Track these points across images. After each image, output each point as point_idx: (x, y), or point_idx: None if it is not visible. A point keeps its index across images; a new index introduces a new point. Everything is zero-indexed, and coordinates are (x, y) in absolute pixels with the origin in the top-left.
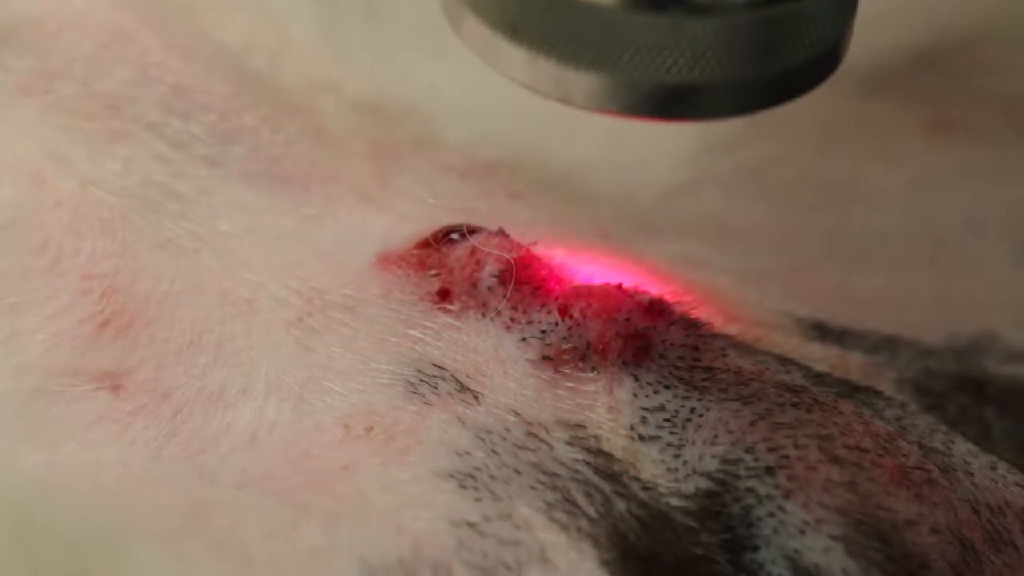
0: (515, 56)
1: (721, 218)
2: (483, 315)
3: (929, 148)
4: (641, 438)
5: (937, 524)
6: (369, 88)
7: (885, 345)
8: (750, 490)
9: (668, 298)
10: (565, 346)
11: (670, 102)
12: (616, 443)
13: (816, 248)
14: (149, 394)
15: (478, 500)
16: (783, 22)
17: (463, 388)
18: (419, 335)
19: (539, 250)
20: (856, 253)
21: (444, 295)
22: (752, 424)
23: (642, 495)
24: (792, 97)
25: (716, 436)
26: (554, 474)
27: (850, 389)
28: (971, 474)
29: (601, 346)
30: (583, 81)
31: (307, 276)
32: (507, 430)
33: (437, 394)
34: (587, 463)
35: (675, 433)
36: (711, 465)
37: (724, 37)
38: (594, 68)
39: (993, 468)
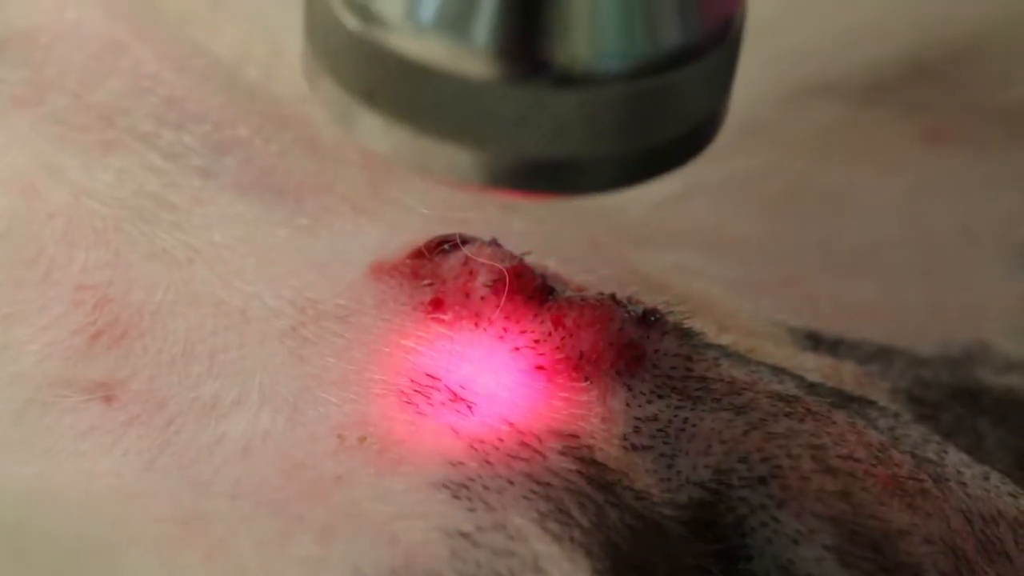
0: (372, 123)
1: (714, 228)
2: (476, 325)
3: (923, 157)
4: (634, 448)
5: (930, 534)
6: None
7: (879, 355)
8: (743, 500)
9: (661, 308)
10: (558, 356)
11: (532, 176)
12: (609, 453)
13: (810, 258)
14: (142, 405)
15: (471, 510)
16: (651, 97)
17: (456, 398)
18: (412, 345)
19: (532, 260)
20: (850, 263)
21: (437, 305)
22: (745, 434)
23: (635, 505)
24: (661, 173)
25: (709, 446)
26: (547, 484)
27: (843, 399)
28: (964, 484)
29: (594, 356)
30: (442, 152)
31: (300, 286)
32: (500, 440)
33: (430, 404)
34: (580, 473)
35: (668, 443)
36: (704, 475)
37: (587, 111)
38: (453, 139)
39: (986, 478)
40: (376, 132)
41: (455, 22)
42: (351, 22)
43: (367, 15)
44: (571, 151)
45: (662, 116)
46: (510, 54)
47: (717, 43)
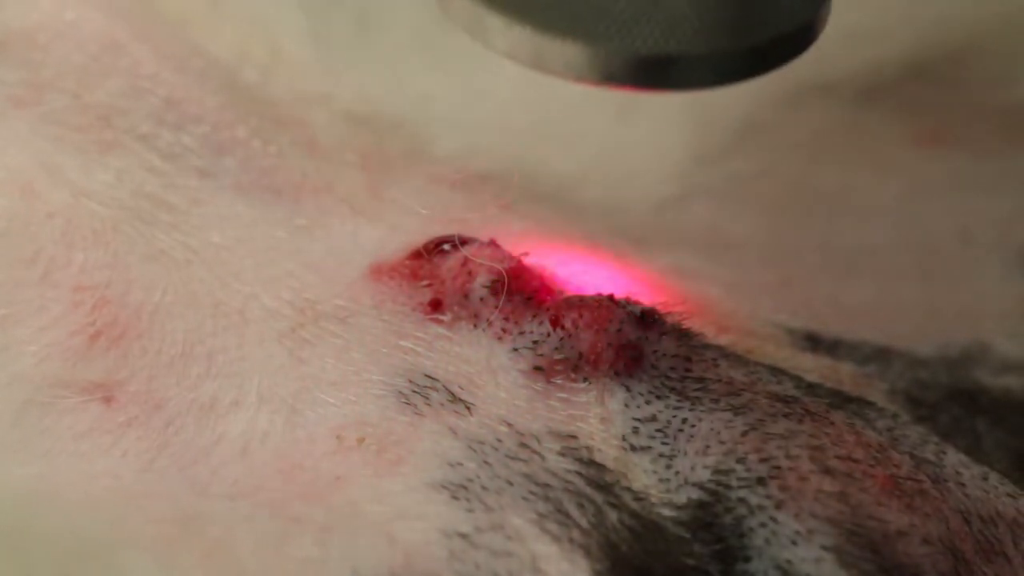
0: (493, 25)
1: (713, 229)
2: (475, 326)
3: (920, 159)
4: (633, 448)
5: (928, 535)
6: (361, 100)
7: (877, 356)
8: (742, 500)
9: (660, 309)
10: (557, 356)
11: (646, 72)
12: (608, 453)
13: (808, 259)
14: (141, 405)
15: (470, 511)
16: None
17: (455, 399)
18: (411, 346)
19: (531, 260)
20: (848, 264)
21: (436, 306)
22: (744, 434)
23: (634, 505)
24: (768, 69)
25: (708, 446)
26: (546, 485)
27: (842, 400)
28: (963, 484)
29: (593, 356)
30: (560, 50)
31: (299, 287)
32: (499, 441)
33: (429, 405)
34: (579, 474)
35: (667, 443)
36: (703, 475)
37: (699, 8)
38: (570, 37)
39: (984, 479)
40: (497, 33)
41: None
42: None
43: None
44: (683, 48)
45: (770, 13)
46: None
47: None
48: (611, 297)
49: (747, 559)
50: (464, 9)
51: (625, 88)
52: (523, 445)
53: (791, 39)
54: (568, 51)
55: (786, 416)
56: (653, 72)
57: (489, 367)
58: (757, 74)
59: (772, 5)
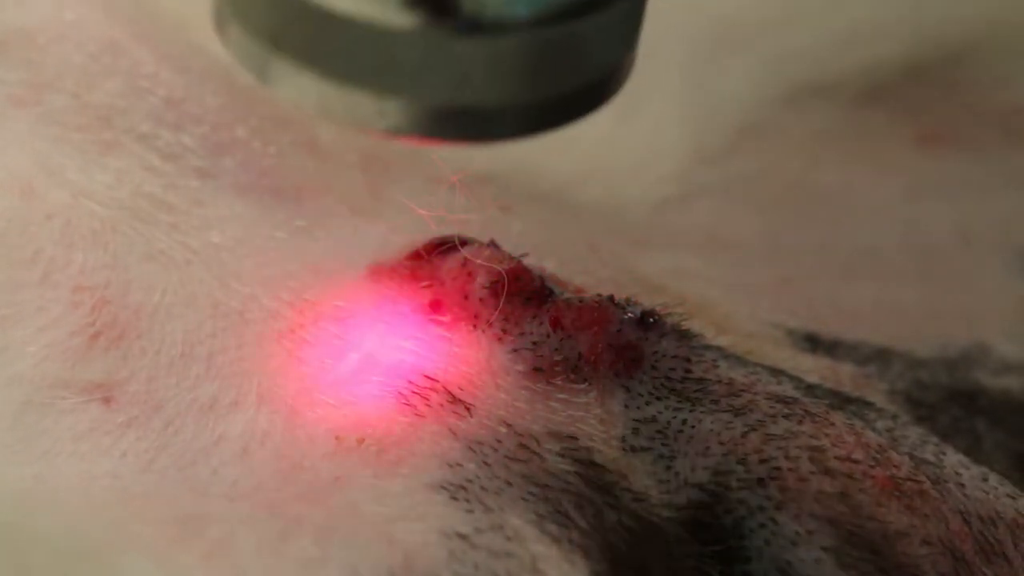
0: (279, 70)
1: (712, 230)
2: (475, 327)
3: (920, 159)
4: (633, 449)
5: (928, 535)
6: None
7: (877, 356)
8: (742, 501)
9: (660, 310)
10: (557, 357)
11: (435, 124)
12: (608, 454)
13: (808, 259)
14: (140, 406)
15: (469, 512)
16: (555, 45)
17: (455, 399)
18: (411, 346)
19: (530, 262)
20: (847, 264)
21: (436, 307)
22: (744, 435)
23: (634, 506)
24: (566, 123)
25: (708, 447)
26: (546, 485)
27: (841, 400)
28: (962, 485)
29: (592, 357)
30: (346, 99)
31: (299, 288)
32: (499, 441)
33: (429, 405)
34: (579, 474)
35: (667, 444)
36: (703, 476)
37: (492, 59)
38: (357, 85)
39: (984, 479)
40: (283, 79)
41: None
42: None
43: None
44: (475, 99)
45: (567, 65)
46: (414, 0)
47: None
48: (611, 298)
49: (747, 560)
50: (245, 49)
51: (415, 141)
52: (523, 446)
53: (593, 89)
54: (356, 101)
55: (786, 417)
56: (442, 124)
57: (489, 368)
58: (557, 126)
59: (572, 56)
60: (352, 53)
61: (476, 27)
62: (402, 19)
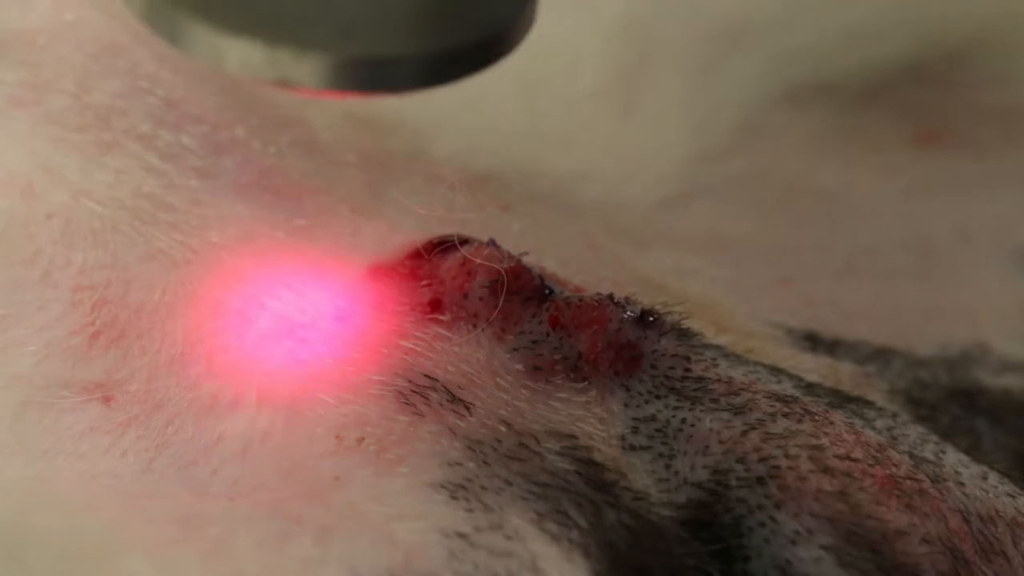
0: (174, 22)
1: (712, 229)
2: (474, 326)
3: (920, 159)
4: (632, 448)
5: (928, 534)
6: (360, 100)
7: (876, 355)
8: (741, 500)
9: (659, 308)
10: (556, 356)
11: (327, 75)
12: (607, 453)
13: (807, 258)
14: (140, 405)
15: (469, 511)
16: None
17: (454, 399)
18: (410, 346)
19: (530, 261)
20: (847, 263)
21: (435, 306)
22: (743, 434)
23: (633, 505)
24: (457, 78)
25: (707, 446)
26: (545, 484)
27: (841, 399)
28: (962, 484)
29: (592, 356)
30: (237, 48)
31: (299, 287)
32: (498, 441)
33: (428, 405)
34: (578, 473)
35: (666, 443)
36: (702, 475)
37: (381, 8)
38: (247, 35)
39: (984, 478)
40: (175, 31)
41: None
42: None
43: None
44: (363, 50)
45: (456, 18)
46: None
47: None
48: (610, 297)
49: (746, 559)
50: (145, 4)
51: (298, 91)
52: (522, 445)
53: (485, 45)
54: (246, 51)
55: (785, 416)
56: (332, 76)
57: (489, 367)
58: (444, 82)
59: (462, 9)
60: (246, 3)
61: None
62: None
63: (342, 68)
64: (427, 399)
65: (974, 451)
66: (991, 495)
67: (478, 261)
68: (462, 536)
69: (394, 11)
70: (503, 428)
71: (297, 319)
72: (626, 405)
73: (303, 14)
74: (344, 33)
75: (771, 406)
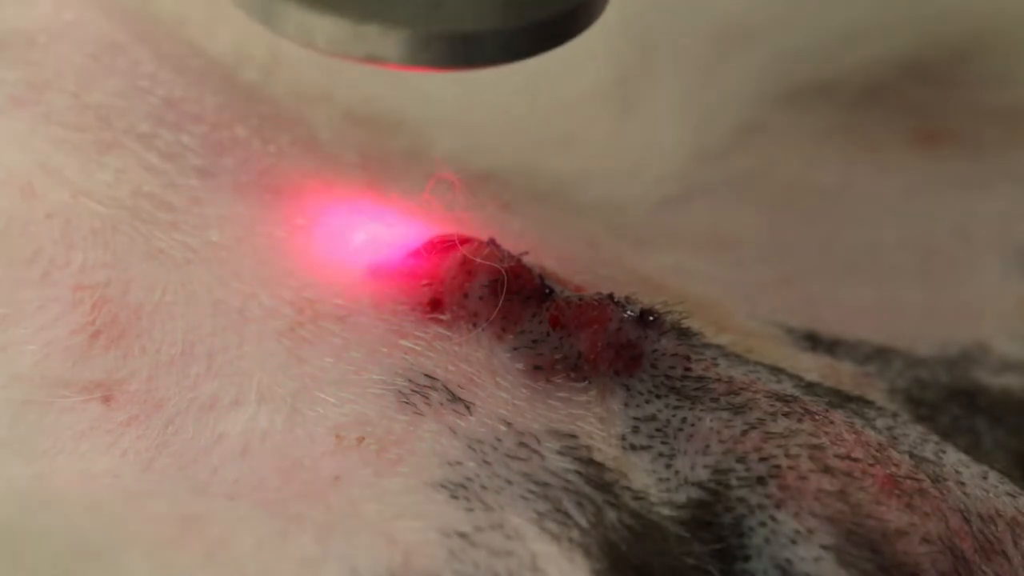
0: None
1: (712, 229)
2: (474, 325)
3: (919, 158)
4: (632, 448)
5: (928, 534)
6: (360, 99)
7: (876, 355)
8: (741, 500)
9: (659, 308)
10: (556, 356)
11: (412, 50)
12: (607, 453)
13: (808, 258)
14: (141, 405)
15: (469, 510)
16: None
17: (455, 398)
18: (411, 345)
19: (530, 260)
20: (848, 263)
21: (435, 305)
22: (743, 434)
23: (633, 505)
24: (541, 51)
25: (707, 446)
26: (545, 484)
27: (841, 399)
28: (962, 483)
29: (592, 356)
30: (326, 25)
31: (298, 286)
32: (499, 440)
33: (429, 404)
34: (578, 473)
35: (666, 443)
36: (702, 475)
37: None
38: (336, 12)
39: (984, 478)
40: (265, 10)
41: None
42: None
43: None
44: (451, 26)
45: None
46: None
47: None
48: (611, 296)
49: (747, 558)
50: None
51: (388, 66)
52: (522, 444)
53: (566, 19)
54: (335, 27)
55: (786, 415)
56: (418, 51)
57: (488, 366)
58: (528, 55)
59: None
60: None
61: None
62: None
63: (428, 43)
64: (427, 398)
65: (974, 451)
66: (991, 495)
67: (478, 260)
68: (462, 535)
69: None
70: (503, 427)
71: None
72: (626, 404)
73: None
74: (431, 8)
75: (771, 405)
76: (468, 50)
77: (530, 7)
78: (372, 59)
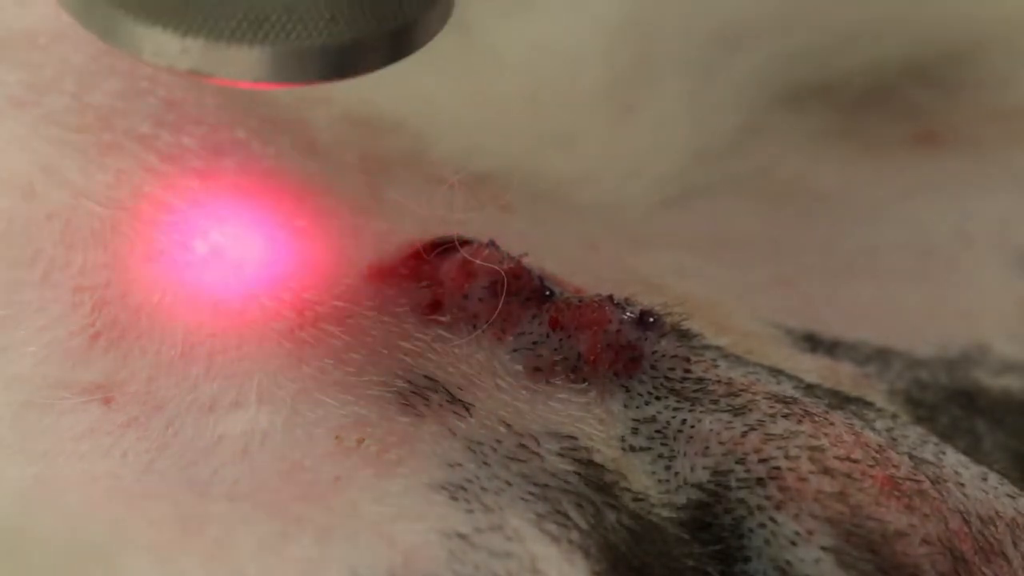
0: (95, 9)
1: (712, 230)
2: (474, 327)
3: (919, 159)
4: (632, 449)
5: (928, 535)
6: (360, 100)
7: (876, 356)
8: (741, 501)
9: (659, 309)
10: (556, 357)
11: (236, 65)
12: (607, 454)
13: (807, 259)
14: (141, 406)
15: (469, 512)
16: None
17: (454, 400)
18: (410, 347)
19: (529, 262)
20: (847, 264)
21: (435, 307)
22: (743, 435)
23: (633, 506)
24: (362, 71)
25: (707, 447)
26: (545, 485)
27: (841, 400)
28: (962, 485)
29: (592, 357)
30: (150, 38)
31: (299, 288)
32: (498, 441)
33: (428, 406)
34: (578, 474)
35: (666, 444)
36: (702, 476)
37: (287, 1)
38: (161, 26)
39: (984, 479)
40: (136, 37)
41: None
42: None
43: None
44: (273, 41)
45: (368, 10)
46: None
47: None
48: (610, 298)
49: (746, 560)
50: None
51: (209, 80)
52: (522, 446)
53: (395, 37)
54: (159, 40)
55: (785, 417)
56: (243, 65)
57: (489, 368)
58: (352, 74)
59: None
60: (223, 7)
61: None
62: None
63: (256, 60)
64: (427, 400)
65: (974, 452)
66: (991, 496)
67: (478, 262)
68: (462, 537)
69: (305, 2)
70: (503, 429)
71: (297, 320)
72: (626, 406)
73: (217, 4)
74: (257, 24)
75: (771, 407)
76: (293, 66)
77: (358, 24)
78: (196, 73)
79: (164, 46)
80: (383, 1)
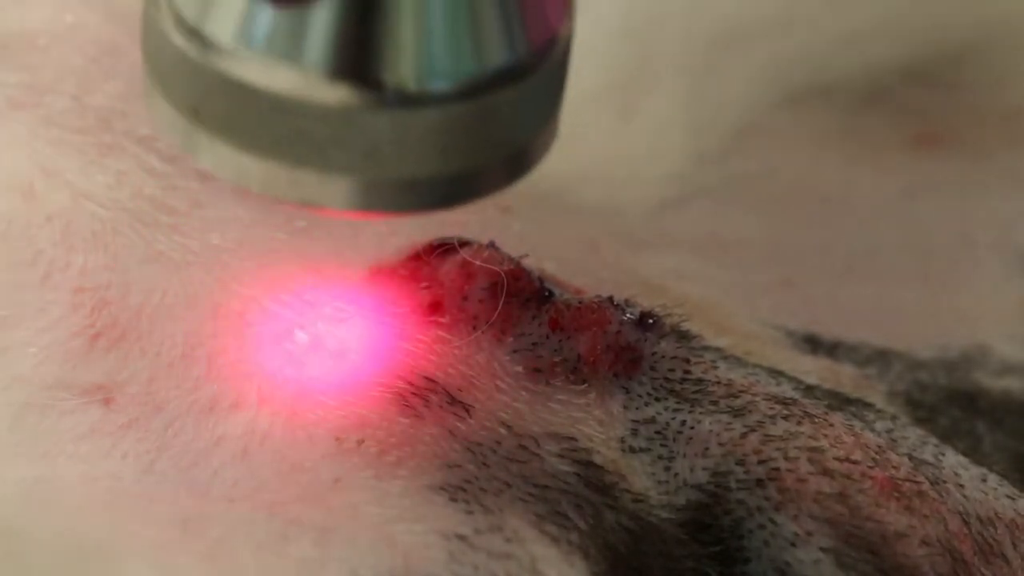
0: (197, 139)
1: (712, 231)
2: (474, 328)
3: (919, 160)
4: (632, 450)
5: (927, 536)
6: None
7: (876, 357)
8: (741, 502)
9: (659, 311)
10: (556, 359)
11: (346, 195)
12: (607, 455)
13: (807, 261)
14: (141, 407)
15: (469, 513)
16: (470, 117)
17: (454, 401)
18: (410, 348)
19: (529, 263)
20: (847, 265)
21: (435, 308)
22: (743, 436)
23: (633, 507)
24: (479, 196)
25: (707, 448)
26: (545, 486)
27: (841, 401)
28: (961, 486)
29: (592, 358)
30: (261, 170)
31: (299, 289)
32: (498, 443)
33: (428, 407)
34: (578, 475)
35: (666, 445)
36: (702, 477)
37: (411, 131)
38: (270, 157)
39: (983, 480)
40: (201, 148)
41: (277, 42)
42: (178, 39)
43: (189, 31)
44: (381, 173)
45: (482, 138)
46: (334, 74)
47: (538, 64)
48: (610, 299)
49: (746, 561)
50: (167, 117)
51: (323, 213)
52: (522, 447)
53: (509, 163)
54: (271, 172)
55: (785, 418)
56: (353, 196)
57: (488, 369)
58: (465, 201)
59: (486, 127)
60: (266, 126)
61: (401, 101)
62: (327, 94)
63: (366, 190)
64: (427, 401)
65: (973, 453)
66: (990, 497)
67: (478, 263)
68: (461, 538)
69: (417, 133)
70: (503, 430)
71: (297, 322)
72: (626, 407)
73: (327, 136)
74: (368, 156)
75: (771, 408)
76: (406, 196)
77: (470, 153)
78: (308, 205)
79: (274, 178)
80: (497, 130)
